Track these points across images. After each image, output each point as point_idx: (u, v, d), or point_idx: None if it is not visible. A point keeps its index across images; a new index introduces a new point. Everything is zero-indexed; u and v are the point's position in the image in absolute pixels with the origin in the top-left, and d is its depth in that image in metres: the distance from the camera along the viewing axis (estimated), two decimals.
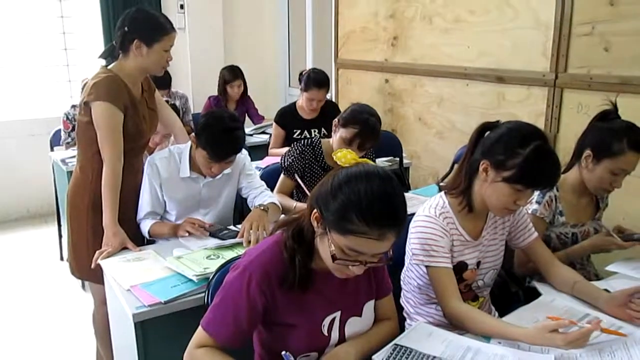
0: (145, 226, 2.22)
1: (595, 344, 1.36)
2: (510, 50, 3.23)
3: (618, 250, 1.95)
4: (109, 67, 2.20)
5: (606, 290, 1.63)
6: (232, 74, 4.56)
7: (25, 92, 4.95)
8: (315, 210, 1.26)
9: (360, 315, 1.43)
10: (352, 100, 3.61)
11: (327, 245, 1.24)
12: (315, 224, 1.27)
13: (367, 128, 2.40)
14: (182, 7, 5.39)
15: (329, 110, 3.64)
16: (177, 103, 4.43)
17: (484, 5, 3.35)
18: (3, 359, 2.86)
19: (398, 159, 3.36)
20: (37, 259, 4.06)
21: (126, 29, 2.12)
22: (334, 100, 4.63)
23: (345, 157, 1.28)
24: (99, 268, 2.03)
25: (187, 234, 2.11)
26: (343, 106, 3.82)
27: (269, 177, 2.68)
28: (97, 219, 2.19)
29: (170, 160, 2.26)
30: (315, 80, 3.50)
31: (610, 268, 1.89)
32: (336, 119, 2.51)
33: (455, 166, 3.00)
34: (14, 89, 4.94)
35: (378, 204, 1.18)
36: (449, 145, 3.69)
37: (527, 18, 3.10)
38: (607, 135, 1.91)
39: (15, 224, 4.80)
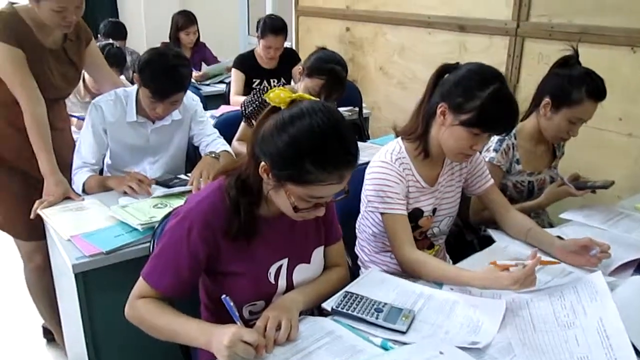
0: (81, 178, 2.01)
1: (545, 288, 1.36)
2: None
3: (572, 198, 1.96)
4: (15, 4, 1.99)
5: (559, 237, 1.62)
6: (186, 19, 4.34)
7: None
8: (262, 163, 1.18)
9: (308, 262, 1.38)
10: (312, 50, 3.50)
11: (284, 198, 1.18)
12: (265, 177, 1.19)
13: (334, 79, 2.31)
14: None
15: (288, 59, 3.52)
16: (128, 59, 4.20)
17: None
18: None
19: (357, 109, 3.28)
20: None
21: None
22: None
23: (278, 96, 1.18)
24: (19, 223, 1.99)
25: (130, 190, 1.92)
26: (303, 56, 3.70)
27: (223, 126, 2.58)
28: (2, 171, 2.08)
29: (117, 103, 2.12)
30: (271, 26, 3.36)
31: (563, 216, 1.89)
32: (300, 66, 2.40)
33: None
34: None
35: (331, 146, 1.11)
36: (409, 95, 3.64)
37: None
38: (566, 83, 1.88)
39: None
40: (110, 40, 3.71)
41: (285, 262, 1.33)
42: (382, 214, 1.57)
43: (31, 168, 2.03)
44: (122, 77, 3.30)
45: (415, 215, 1.65)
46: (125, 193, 1.93)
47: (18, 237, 2.18)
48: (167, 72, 1.97)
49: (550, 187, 1.97)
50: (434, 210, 1.70)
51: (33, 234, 2.07)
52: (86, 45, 2.19)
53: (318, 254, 1.40)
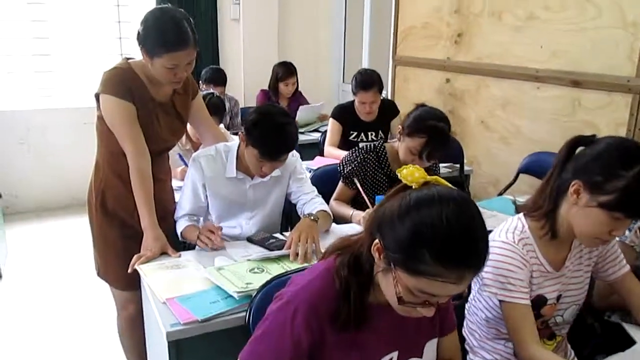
0: (179, 226, 2.09)
1: None
2: (589, 52, 2.93)
3: None
4: (130, 60, 2.05)
5: None
6: (286, 71, 4.40)
7: (80, 81, 4.93)
8: (376, 241, 1.07)
9: (420, 357, 1.23)
10: (409, 100, 3.38)
11: (391, 284, 1.05)
12: (376, 256, 1.08)
13: (436, 137, 2.18)
14: None
15: (387, 111, 3.42)
16: (227, 105, 4.30)
17: (562, 1, 3.05)
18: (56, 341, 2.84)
19: (458, 165, 3.11)
20: (79, 247, 4.01)
21: (139, 30, 1.91)
22: (389, 98, 4.40)
23: (412, 175, 1.08)
24: (115, 272, 2.03)
25: (204, 246, 1.91)
26: (400, 106, 3.60)
27: (320, 180, 2.51)
28: (104, 219, 2.11)
29: (217, 158, 2.11)
30: (361, 82, 3.29)
31: None
32: (400, 126, 2.29)
33: (526, 177, 2.76)
34: (68, 77, 4.94)
35: (456, 241, 0.97)
36: (513, 151, 3.43)
37: (612, 16, 2.80)
38: None
39: (64, 212, 4.78)
40: (211, 89, 3.80)
41: (395, 355, 1.19)
42: (501, 301, 1.40)
43: (132, 219, 2.05)
44: (221, 125, 3.35)
45: (537, 303, 1.46)
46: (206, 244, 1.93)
47: (115, 287, 2.20)
48: (276, 133, 1.94)
49: None
50: (559, 297, 1.50)
51: (129, 284, 2.07)
52: (192, 98, 2.22)
53: (431, 347, 1.25)
